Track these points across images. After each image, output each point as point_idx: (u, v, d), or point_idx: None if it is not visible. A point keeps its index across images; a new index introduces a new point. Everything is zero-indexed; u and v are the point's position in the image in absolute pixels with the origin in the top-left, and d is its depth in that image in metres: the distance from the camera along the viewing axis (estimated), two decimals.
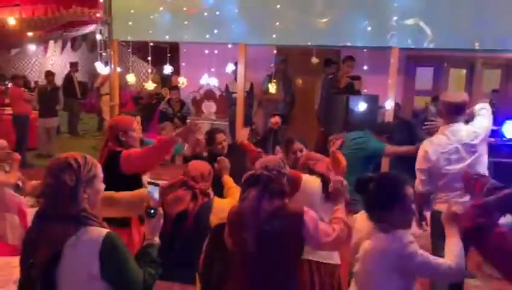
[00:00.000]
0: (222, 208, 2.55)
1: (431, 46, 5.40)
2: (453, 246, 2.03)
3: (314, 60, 6.06)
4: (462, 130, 3.15)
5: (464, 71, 8.17)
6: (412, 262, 1.97)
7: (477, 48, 5.34)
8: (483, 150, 3.17)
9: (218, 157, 3.21)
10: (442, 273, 2.00)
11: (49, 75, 8.99)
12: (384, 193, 2.08)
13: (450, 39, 5.37)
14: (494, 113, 7.24)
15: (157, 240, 1.89)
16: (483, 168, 3.13)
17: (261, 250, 2.09)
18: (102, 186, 1.79)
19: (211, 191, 2.69)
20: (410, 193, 2.10)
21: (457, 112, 3.20)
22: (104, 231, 1.69)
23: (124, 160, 2.88)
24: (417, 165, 3.29)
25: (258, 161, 2.35)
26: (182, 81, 7.00)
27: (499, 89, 7.82)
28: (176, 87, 7.86)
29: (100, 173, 1.78)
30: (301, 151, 3.23)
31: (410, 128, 6.16)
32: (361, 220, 2.24)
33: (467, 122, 3.29)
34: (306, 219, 2.13)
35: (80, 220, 1.67)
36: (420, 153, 3.29)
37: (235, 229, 2.19)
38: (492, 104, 7.58)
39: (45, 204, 1.72)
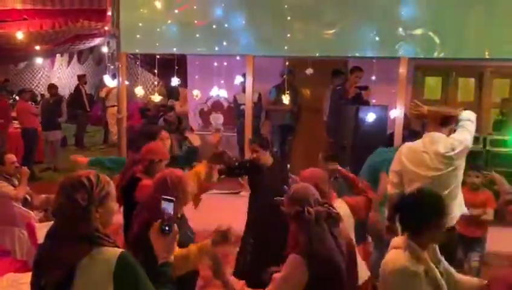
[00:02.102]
0: None
1: (441, 55, 5.37)
2: None
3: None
4: (440, 141, 3.11)
5: (473, 80, 8.10)
6: None
7: (486, 57, 5.29)
8: (460, 164, 3.12)
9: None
10: None
11: (52, 88, 9.00)
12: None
13: (458, 48, 5.34)
14: (503, 122, 7.24)
15: (172, 258, 1.84)
16: (457, 181, 3.12)
17: None
18: (116, 205, 1.75)
19: None
20: None
21: (443, 123, 3.18)
22: (118, 250, 1.64)
23: (139, 189, 2.91)
24: (391, 167, 3.32)
25: None
26: (196, 93, 7.00)
27: (508, 98, 7.73)
28: (172, 109, 7.81)
29: (113, 191, 1.74)
30: (257, 152, 3.65)
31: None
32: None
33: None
34: None
35: (92, 240, 1.63)
36: (396, 155, 3.31)
37: None
38: (502, 113, 7.58)
39: (57, 224, 1.68)
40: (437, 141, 3.11)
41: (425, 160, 3.09)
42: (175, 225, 1.82)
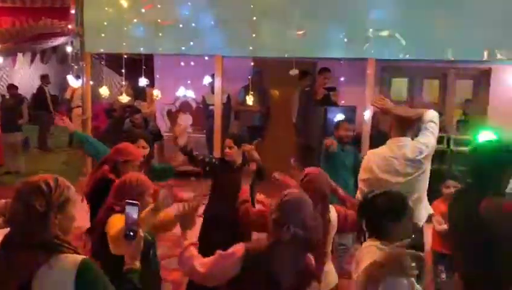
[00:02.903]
0: None
1: (406, 57, 5.46)
2: None
3: (293, 71, 5.99)
4: (407, 145, 3.12)
5: (437, 82, 8.31)
6: None
7: (450, 58, 5.42)
8: (427, 167, 3.11)
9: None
10: None
11: (12, 88, 8.67)
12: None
13: (424, 50, 5.44)
14: (466, 122, 7.46)
15: (138, 264, 1.76)
16: (424, 184, 3.11)
17: None
18: (75, 210, 1.66)
19: None
20: None
21: (408, 127, 3.19)
22: (79, 257, 1.56)
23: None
24: (359, 176, 3.28)
25: None
26: (156, 94, 6.85)
27: (471, 99, 7.97)
28: (138, 111, 7.63)
29: (73, 196, 1.65)
30: (230, 148, 3.62)
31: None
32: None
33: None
34: None
35: (51, 247, 1.54)
36: (363, 164, 3.27)
37: None
38: (464, 114, 7.80)
39: (13, 231, 1.58)
40: (404, 146, 3.08)
41: (394, 166, 3.06)
42: (140, 230, 1.75)
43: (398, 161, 3.06)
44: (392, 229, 2.07)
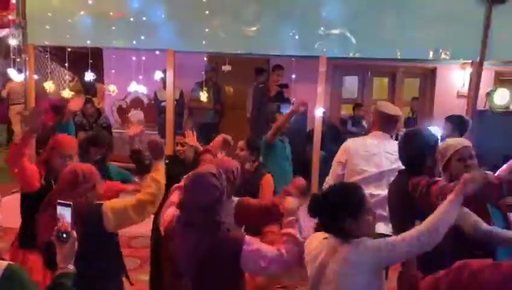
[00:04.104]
0: None
1: (356, 55, 5.56)
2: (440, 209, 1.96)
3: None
4: (389, 141, 3.21)
5: (387, 80, 8.56)
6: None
7: (398, 57, 5.57)
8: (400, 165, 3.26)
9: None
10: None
11: None
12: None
13: (373, 49, 5.56)
14: (414, 119, 7.74)
15: (71, 268, 1.67)
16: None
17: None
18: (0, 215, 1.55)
19: None
20: None
21: (391, 123, 3.27)
22: (4, 263, 1.46)
23: None
24: (335, 159, 3.37)
25: None
26: (112, 89, 6.63)
27: (418, 97, 8.26)
28: (90, 100, 7.38)
29: None
30: (183, 145, 3.64)
31: (338, 134, 6.62)
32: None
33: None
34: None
35: None
36: (341, 147, 3.38)
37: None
38: (412, 111, 8.08)
39: None
40: (385, 140, 3.24)
41: (373, 155, 3.17)
42: (73, 231, 1.66)
43: (377, 151, 3.19)
44: (349, 226, 1.93)
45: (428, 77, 8.27)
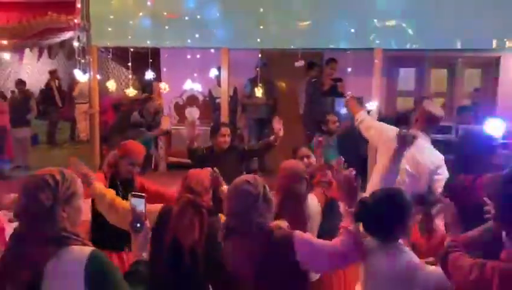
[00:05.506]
0: None
1: (414, 46, 5.41)
2: None
3: (298, 63, 5.93)
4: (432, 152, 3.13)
5: (445, 71, 8.23)
6: None
7: (458, 47, 5.36)
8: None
9: None
10: None
11: (20, 83, 8.72)
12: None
13: (431, 39, 5.39)
14: (476, 111, 7.41)
15: (145, 255, 1.78)
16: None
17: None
18: (82, 203, 1.67)
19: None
20: None
21: (434, 124, 3.20)
22: (89, 249, 1.57)
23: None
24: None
25: None
26: (164, 86, 6.86)
27: (480, 88, 7.89)
28: (151, 99, 7.62)
29: (80, 189, 1.66)
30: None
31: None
32: None
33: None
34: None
35: (60, 240, 1.55)
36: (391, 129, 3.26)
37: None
38: (473, 104, 7.72)
39: (21, 226, 1.59)
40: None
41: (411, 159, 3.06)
42: (147, 221, 1.77)
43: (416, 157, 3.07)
44: (396, 231, 2.03)
45: (492, 66, 7.86)
